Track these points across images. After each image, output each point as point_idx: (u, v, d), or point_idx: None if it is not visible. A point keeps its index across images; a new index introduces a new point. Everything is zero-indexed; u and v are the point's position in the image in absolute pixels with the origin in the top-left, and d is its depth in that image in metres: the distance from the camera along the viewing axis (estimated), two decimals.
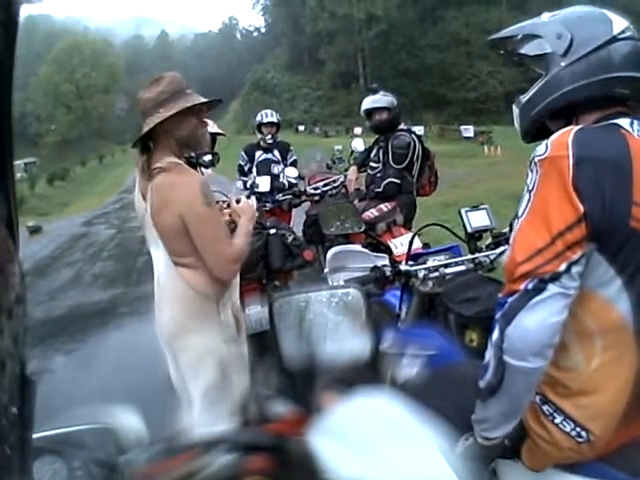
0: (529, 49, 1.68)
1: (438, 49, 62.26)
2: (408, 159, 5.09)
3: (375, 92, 5.36)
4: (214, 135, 4.61)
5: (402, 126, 5.32)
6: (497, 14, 54.57)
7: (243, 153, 6.68)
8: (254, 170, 6.60)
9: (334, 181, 5.91)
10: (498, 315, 1.43)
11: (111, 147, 67.49)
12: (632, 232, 1.38)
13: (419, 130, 26.63)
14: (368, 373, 1.47)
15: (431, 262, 2.52)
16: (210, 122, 4.71)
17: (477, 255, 2.50)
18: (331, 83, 73.58)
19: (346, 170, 6.08)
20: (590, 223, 1.36)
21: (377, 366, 1.62)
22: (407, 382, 1.76)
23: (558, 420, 1.47)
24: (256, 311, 3.90)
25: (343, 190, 5.82)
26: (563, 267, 1.36)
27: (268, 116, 6.77)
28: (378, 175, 5.27)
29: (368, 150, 5.72)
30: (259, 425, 1.21)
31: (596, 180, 1.37)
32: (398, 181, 5.09)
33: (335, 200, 5.58)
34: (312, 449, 1.00)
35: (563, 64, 1.59)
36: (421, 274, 2.41)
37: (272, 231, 4.06)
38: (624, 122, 1.50)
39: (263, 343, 3.35)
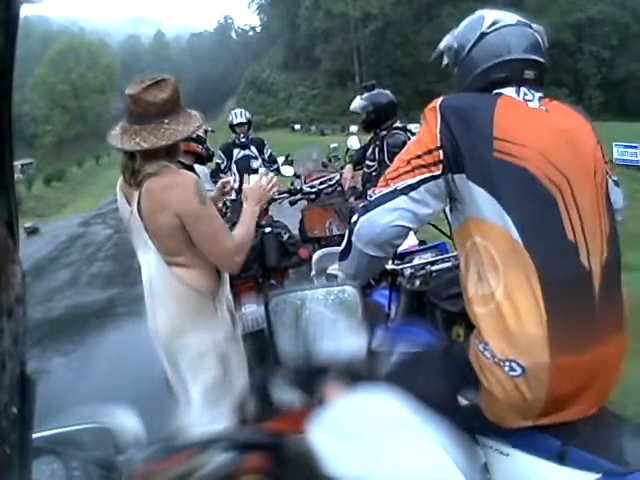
0: (443, 63, 2.01)
1: (434, 47, 61.67)
2: None
3: (371, 89, 5.35)
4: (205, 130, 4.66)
5: (398, 124, 5.30)
6: None
7: (220, 152, 7.02)
8: (233, 167, 7.10)
9: (330, 179, 5.90)
10: (362, 204, 1.78)
11: (107, 147, 66.82)
12: (496, 161, 1.59)
13: (415, 128, 26.53)
14: (364, 370, 1.48)
15: (417, 260, 2.53)
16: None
17: None
18: (327, 81, 73.64)
19: (342, 168, 6.07)
20: (444, 152, 1.63)
21: (372, 363, 1.63)
22: (387, 373, 1.77)
23: (492, 358, 1.53)
24: (252, 310, 3.87)
25: (339, 188, 5.80)
26: (414, 180, 1.67)
27: (238, 117, 7.35)
28: (374, 173, 5.25)
29: (364, 148, 5.71)
30: (257, 423, 1.22)
31: (455, 121, 1.64)
32: None
33: (331, 198, 5.57)
34: (310, 447, 1.00)
35: (455, 71, 1.91)
36: (407, 272, 2.42)
37: (267, 229, 4.05)
38: (507, 90, 1.74)
39: (259, 342, 3.35)
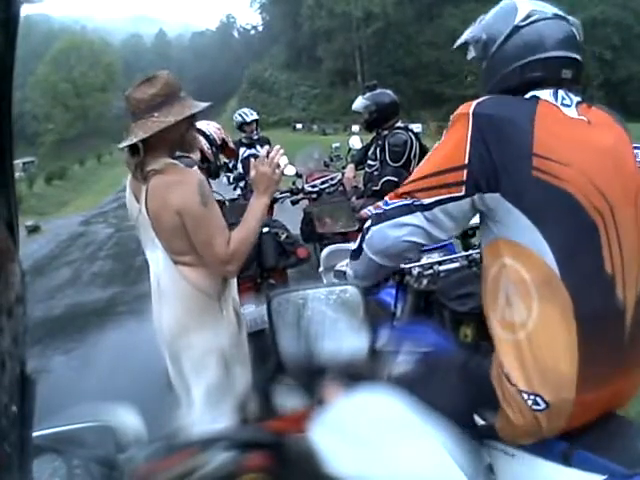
0: (468, 55, 1.86)
1: (435, 46, 62.11)
2: (405, 157, 5.08)
3: (373, 89, 5.36)
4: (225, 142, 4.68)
5: (399, 124, 5.31)
6: None
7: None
8: (239, 166, 6.92)
9: (332, 179, 5.90)
10: (376, 211, 1.74)
11: (109, 146, 66.76)
12: (536, 180, 1.47)
13: (417, 128, 26.54)
14: (366, 370, 1.48)
15: (425, 259, 2.51)
16: (214, 123, 4.76)
17: (471, 252, 2.50)
18: (329, 81, 73.62)
19: (344, 168, 6.07)
20: (470, 171, 1.52)
21: (375, 363, 1.63)
22: (399, 376, 1.77)
23: (515, 387, 1.49)
24: (250, 311, 3.85)
25: (341, 188, 5.81)
26: (431, 200, 1.58)
27: (249, 115, 7.41)
28: (375, 173, 5.26)
29: (366, 148, 5.71)
30: (258, 422, 1.22)
31: (491, 133, 1.52)
32: (396, 179, 5.07)
33: (332, 197, 5.56)
34: (312, 446, 1.00)
35: (484, 65, 1.77)
36: (415, 272, 2.41)
37: (265, 229, 4.02)
38: (544, 93, 1.62)
39: (258, 342, 3.35)
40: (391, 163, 5.09)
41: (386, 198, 1.71)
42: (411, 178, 1.67)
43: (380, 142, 5.27)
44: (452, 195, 1.56)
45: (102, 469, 1.08)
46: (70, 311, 8.26)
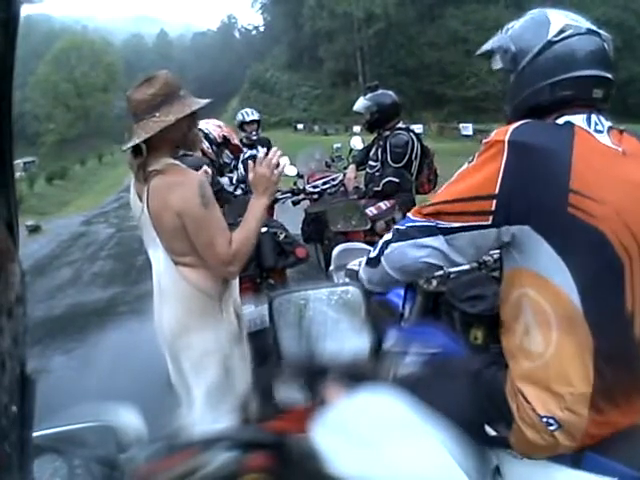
0: (493, 65, 1.78)
1: (437, 47, 62.18)
2: (407, 158, 5.09)
3: (375, 89, 5.36)
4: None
5: (400, 124, 5.31)
6: (495, 12, 54.43)
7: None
8: (240, 167, 6.85)
9: (333, 179, 5.89)
10: (397, 226, 1.70)
11: (110, 146, 66.60)
12: (570, 218, 1.43)
13: (418, 128, 26.56)
14: (368, 370, 1.47)
15: None
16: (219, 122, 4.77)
17: None
18: (330, 81, 73.58)
19: (345, 168, 6.07)
20: (499, 203, 1.48)
21: (378, 363, 1.63)
22: (405, 377, 1.76)
23: (530, 405, 1.49)
24: (250, 311, 3.84)
25: (342, 188, 5.80)
26: (455, 225, 1.54)
27: (250, 115, 7.23)
28: (377, 174, 5.27)
29: (367, 148, 5.72)
30: (259, 423, 1.22)
31: (527, 163, 1.47)
32: (397, 180, 5.08)
33: (334, 198, 5.56)
34: (313, 446, 1.00)
35: (512, 78, 1.71)
36: None
37: (263, 229, 4.02)
38: (577, 119, 1.56)
39: (258, 342, 3.35)
40: (392, 164, 5.10)
41: (409, 214, 1.67)
42: (438, 199, 1.61)
43: (381, 143, 5.27)
44: (478, 223, 1.52)
45: (103, 469, 1.08)
46: (71, 311, 8.26)
